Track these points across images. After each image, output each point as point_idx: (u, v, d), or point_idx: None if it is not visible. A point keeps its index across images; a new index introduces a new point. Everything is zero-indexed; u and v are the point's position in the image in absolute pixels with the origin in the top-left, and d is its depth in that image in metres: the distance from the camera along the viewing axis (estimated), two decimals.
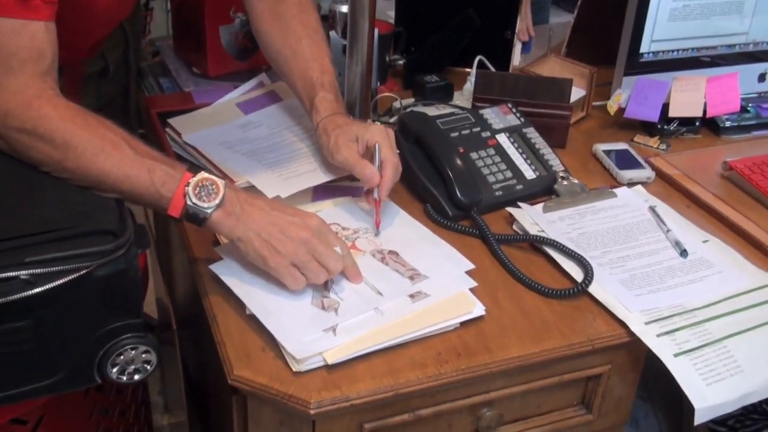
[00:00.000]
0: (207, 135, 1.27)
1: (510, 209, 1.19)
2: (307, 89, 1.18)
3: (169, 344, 1.22)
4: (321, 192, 1.17)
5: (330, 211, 1.16)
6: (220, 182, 0.94)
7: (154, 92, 1.47)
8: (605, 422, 1.09)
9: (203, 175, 0.94)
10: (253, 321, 0.95)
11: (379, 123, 1.37)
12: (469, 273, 1.05)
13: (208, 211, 0.93)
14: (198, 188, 0.93)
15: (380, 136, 1.10)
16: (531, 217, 1.18)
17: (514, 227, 1.19)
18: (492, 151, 1.29)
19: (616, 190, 1.27)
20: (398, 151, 1.20)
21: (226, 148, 1.23)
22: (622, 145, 1.44)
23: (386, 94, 1.51)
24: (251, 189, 1.13)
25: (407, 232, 1.13)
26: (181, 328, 1.33)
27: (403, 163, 1.24)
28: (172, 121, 1.28)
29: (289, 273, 0.96)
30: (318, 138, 1.16)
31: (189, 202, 0.93)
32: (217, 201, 0.93)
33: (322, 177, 1.15)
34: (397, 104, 1.49)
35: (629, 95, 1.47)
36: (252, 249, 0.95)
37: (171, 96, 1.43)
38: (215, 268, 1.02)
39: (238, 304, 0.98)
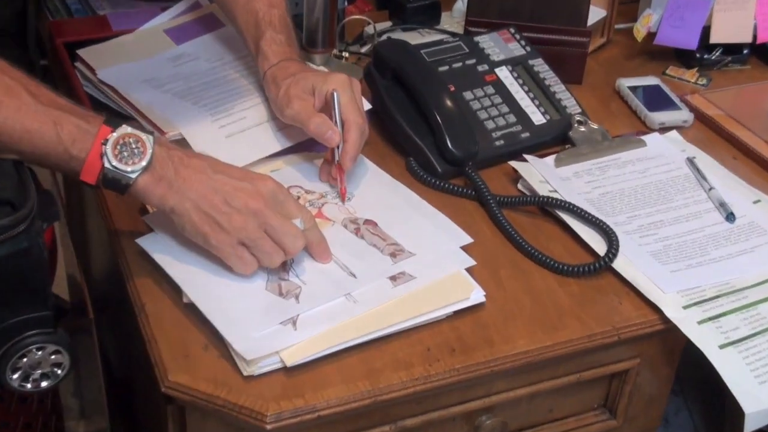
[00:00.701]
0: (128, 70, 1.25)
1: (514, 163, 1.20)
2: (251, 28, 1.18)
3: (85, 332, 1.21)
4: None
5: (289, 169, 1.16)
6: (147, 138, 0.93)
7: (60, 16, 1.44)
8: (632, 428, 1.10)
9: (125, 129, 0.92)
10: (193, 311, 0.95)
11: (346, 62, 1.38)
12: (465, 248, 1.05)
13: (132, 175, 0.92)
14: (118, 146, 0.92)
15: (341, 86, 1.10)
16: (540, 173, 1.19)
17: (520, 186, 1.20)
18: (490, 90, 1.29)
19: (645, 138, 1.28)
20: (376, 92, 1.22)
21: (153, 87, 1.23)
22: (652, 80, 1.45)
23: (356, 16, 1.51)
24: (185, 143, 1.12)
25: (387, 195, 1.13)
26: (100, 311, 1.32)
27: (380, 106, 1.26)
28: (82, 52, 1.26)
29: (236, 254, 0.96)
30: (266, 90, 1.16)
31: (107, 165, 0.91)
32: (143, 163, 0.92)
33: (274, 143, 1.16)
34: (369, 29, 1.48)
35: (661, 16, 1.47)
36: (189, 223, 0.95)
37: (81, 21, 1.40)
38: (143, 242, 1.02)
39: (173, 289, 0.98)
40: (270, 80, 1.15)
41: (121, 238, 1.06)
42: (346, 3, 1.50)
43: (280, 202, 0.97)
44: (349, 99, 1.10)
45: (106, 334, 1.33)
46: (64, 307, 0.99)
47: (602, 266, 1.06)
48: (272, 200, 0.96)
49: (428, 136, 1.20)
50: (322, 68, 1.35)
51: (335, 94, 1.10)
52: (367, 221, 1.09)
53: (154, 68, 1.26)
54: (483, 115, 1.26)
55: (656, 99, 1.39)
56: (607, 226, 1.10)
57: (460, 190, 1.18)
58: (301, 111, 1.10)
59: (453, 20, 1.57)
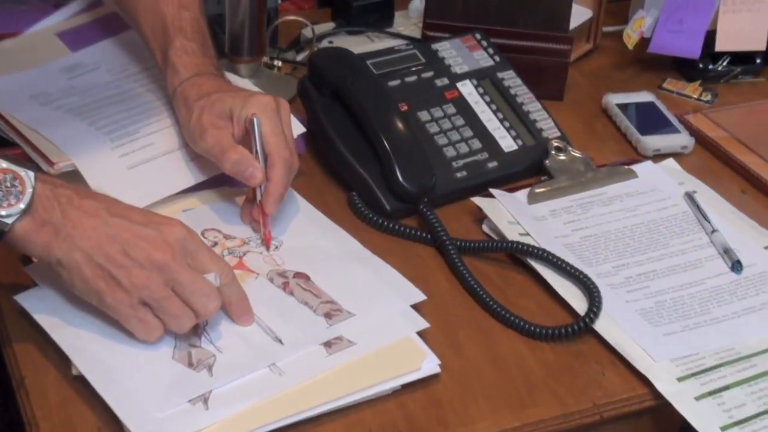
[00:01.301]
0: (11, 83, 1.26)
1: (477, 199, 1.20)
2: (158, 34, 1.18)
3: None
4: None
5: (205, 208, 1.17)
6: (26, 174, 0.93)
7: None
8: None
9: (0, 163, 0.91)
10: (85, 385, 0.94)
11: (279, 72, 1.39)
12: (417, 306, 1.05)
13: (8, 220, 0.92)
14: None
15: (264, 110, 1.09)
16: (509, 212, 1.19)
17: (484, 228, 1.20)
18: (451, 109, 1.30)
19: (637, 167, 1.29)
20: (311, 111, 1.23)
21: (40, 104, 1.23)
22: (645, 96, 1.46)
23: (291, 17, 1.51)
24: (79, 175, 1.11)
25: (322, 241, 1.13)
26: None
27: (316, 128, 1.27)
28: None
29: (137, 316, 0.95)
30: (176, 112, 1.16)
31: None
32: (21, 205, 0.92)
33: (186, 176, 1.15)
34: (307, 32, 1.49)
35: (656, 18, 1.47)
36: (80, 279, 0.94)
37: None
38: (24, 299, 1.01)
39: (61, 359, 0.97)
40: (180, 100, 1.15)
41: None
42: (279, 0, 1.51)
43: (190, 252, 0.97)
44: (272, 127, 1.10)
45: None
46: None
47: (582, 328, 1.06)
48: (181, 250, 0.95)
49: (375, 166, 1.21)
50: (246, 82, 1.35)
51: (255, 120, 1.09)
52: (297, 274, 1.09)
53: (43, 80, 1.26)
54: (442, 140, 1.27)
55: (650, 119, 1.39)
56: (588, 278, 1.10)
57: (413, 232, 1.18)
58: (216, 144, 1.10)
59: (409, 22, 1.57)
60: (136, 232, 0.95)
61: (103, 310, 0.97)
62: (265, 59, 1.43)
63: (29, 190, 0.93)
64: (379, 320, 1.03)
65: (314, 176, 1.26)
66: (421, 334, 1.03)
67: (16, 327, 1.01)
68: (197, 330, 0.99)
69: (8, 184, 0.94)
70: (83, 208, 0.95)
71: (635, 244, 1.18)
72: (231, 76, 1.29)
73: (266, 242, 1.12)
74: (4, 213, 0.93)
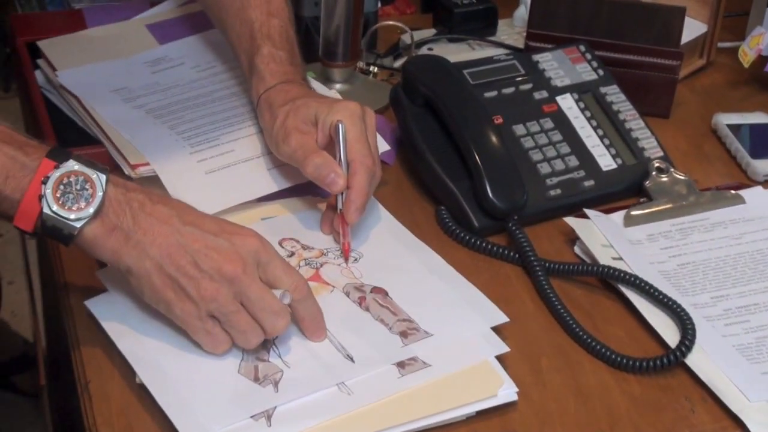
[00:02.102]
0: (96, 73, 1.26)
1: (570, 220, 1.18)
2: (245, 41, 1.18)
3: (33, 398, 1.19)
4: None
5: (285, 217, 1.16)
6: (98, 177, 0.93)
7: (29, 8, 1.46)
8: None
9: (72, 165, 0.92)
10: (147, 393, 0.94)
11: (374, 79, 1.38)
12: (499, 328, 1.03)
13: (77, 224, 0.92)
14: (61, 187, 0.91)
15: (349, 117, 1.08)
16: (603, 234, 1.16)
17: (576, 250, 1.17)
18: (549, 123, 1.28)
19: (745, 193, 1.25)
20: (403, 120, 1.21)
21: (123, 99, 1.23)
22: (760, 117, 1.41)
23: (390, 22, 1.49)
24: (155, 181, 1.12)
25: (403, 256, 1.12)
26: (55, 377, 1.32)
27: (407, 138, 1.25)
28: (44, 45, 1.27)
29: (205, 329, 0.95)
30: (260, 118, 1.16)
31: (46, 210, 0.91)
32: (90, 209, 0.92)
33: (266, 183, 1.15)
34: (406, 38, 1.47)
35: None
36: (149, 287, 0.94)
37: (50, 15, 1.42)
38: (93, 305, 1.02)
39: (126, 364, 0.97)
40: (265, 106, 1.14)
41: (71, 295, 1.05)
42: (379, 4, 1.49)
43: (263, 264, 0.96)
44: (358, 134, 1.09)
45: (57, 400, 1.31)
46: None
47: (672, 361, 1.03)
48: (253, 263, 0.95)
49: (465, 180, 1.19)
50: (333, 91, 1.33)
51: (340, 126, 1.08)
52: (375, 289, 1.08)
53: (127, 73, 1.27)
54: (536, 156, 1.25)
55: (764, 142, 1.35)
56: (682, 309, 1.07)
57: (500, 250, 1.16)
58: (299, 148, 1.09)
59: (513, 31, 1.55)
60: (207, 243, 0.95)
61: (171, 318, 0.97)
62: (361, 64, 1.42)
63: (99, 193, 0.93)
64: (457, 341, 1.02)
65: (403, 188, 1.25)
66: (500, 358, 1.01)
67: (86, 330, 1.02)
68: (266, 344, 0.99)
69: (78, 187, 0.94)
70: (155, 215, 0.95)
71: (737, 274, 1.14)
72: (318, 86, 1.28)
73: (345, 253, 1.11)
74: (73, 216, 0.93)
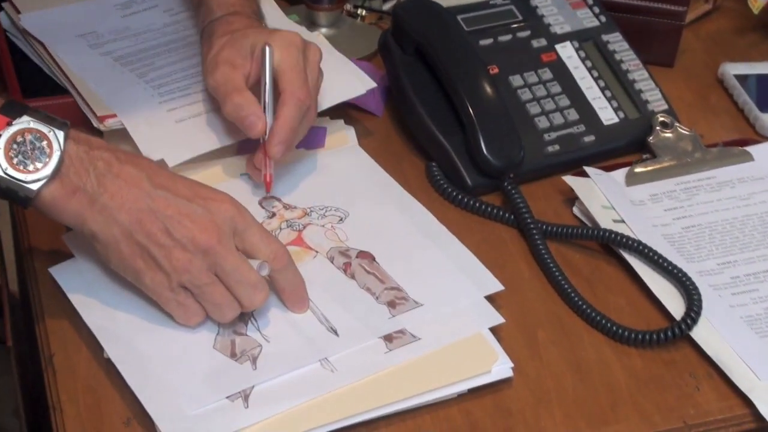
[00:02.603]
0: (62, 17, 1.20)
1: (569, 178, 1.14)
2: None
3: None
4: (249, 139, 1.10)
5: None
6: (54, 135, 0.88)
7: None
8: None
9: (25, 122, 0.88)
10: (115, 370, 0.91)
11: (363, 22, 1.33)
12: (493, 297, 1.00)
13: (33, 186, 0.87)
14: (14, 146, 0.87)
15: (287, 45, 1.06)
16: (604, 194, 1.13)
17: (575, 210, 1.14)
18: (547, 74, 1.24)
19: (753, 149, 1.21)
20: (392, 70, 1.17)
21: (90, 45, 1.19)
22: None
23: None
24: (127, 135, 1.08)
25: (394, 216, 1.09)
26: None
27: (396, 89, 1.21)
28: None
29: (177, 300, 0.92)
30: (201, 51, 1.13)
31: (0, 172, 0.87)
32: (47, 171, 0.88)
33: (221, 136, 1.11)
34: None
35: None
36: (116, 256, 0.91)
37: None
38: (57, 273, 0.99)
39: (93, 338, 0.94)
40: (205, 37, 1.11)
41: (36, 260, 1.02)
42: None
43: (239, 232, 0.93)
44: (292, 63, 1.05)
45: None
46: None
47: (677, 335, 0.99)
48: (229, 231, 0.92)
49: (457, 134, 1.16)
50: (317, 34, 1.27)
51: (267, 50, 1.05)
52: (361, 253, 1.04)
53: (96, 16, 1.22)
54: (534, 109, 1.20)
55: None
56: (688, 278, 1.03)
57: (494, 211, 1.13)
58: (223, 83, 1.05)
59: None
60: (180, 209, 0.91)
61: (141, 288, 0.94)
62: (348, 7, 1.36)
63: (57, 152, 0.88)
64: (448, 312, 0.99)
65: (391, 141, 1.21)
66: (494, 330, 0.98)
67: (51, 299, 0.98)
68: (244, 316, 0.96)
69: (33, 146, 0.88)
70: (123, 176, 0.91)
71: (745, 238, 1.11)
72: (277, 18, 1.24)
73: (266, 185, 1.07)
74: (29, 178, 0.88)
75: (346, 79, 1.17)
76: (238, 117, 1.04)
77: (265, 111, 1.05)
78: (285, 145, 1.05)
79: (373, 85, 1.17)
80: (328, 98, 1.14)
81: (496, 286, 1.01)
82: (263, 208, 1.08)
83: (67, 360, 0.94)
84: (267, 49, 1.05)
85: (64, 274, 0.99)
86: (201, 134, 1.11)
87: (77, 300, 0.96)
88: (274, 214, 1.08)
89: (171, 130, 1.10)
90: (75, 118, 1.05)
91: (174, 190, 0.92)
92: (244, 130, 1.05)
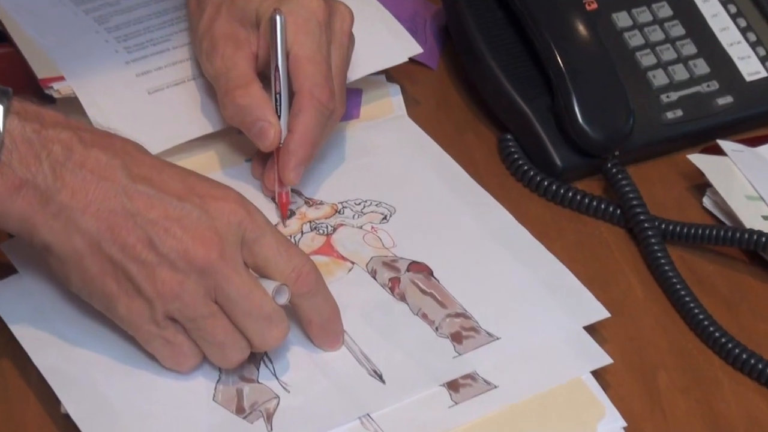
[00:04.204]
0: None
1: (697, 156, 1.15)
2: None
3: None
4: None
5: None
6: None
7: None
8: None
9: None
10: (75, 431, 0.91)
11: None
12: (595, 327, 1.01)
13: None
14: None
15: (303, 18, 1.05)
16: (748, 179, 1.13)
17: (706, 203, 1.15)
18: (666, 10, 1.24)
19: None
20: (455, 14, 1.19)
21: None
22: None
23: None
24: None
25: (456, 212, 1.10)
26: None
27: (459, 35, 1.22)
28: None
29: (163, 338, 0.92)
30: (186, 8, 1.15)
31: None
32: None
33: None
34: None
35: None
36: (79, 275, 0.91)
37: None
38: None
39: (44, 386, 0.93)
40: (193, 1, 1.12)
41: None
42: None
43: (249, 242, 0.92)
44: (312, 48, 1.06)
45: None
46: None
47: None
48: (235, 243, 0.91)
49: (542, 97, 1.17)
50: None
51: (278, 21, 1.04)
52: (414, 265, 1.04)
53: None
54: (647, 59, 1.20)
55: None
56: None
57: (594, 203, 1.13)
58: (224, 71, 1.06)
59: None
60: (169, 211, 0.90)
61: (112, 320, 0.94)
62: None
63: None
64: (535, 349, 0.99)
65: (450, 105, 1.22)
66: (598, 374, 0.98)
67: None
68: (255, 357, 0.96)
69: None
70: (89, 165, 0.90)
71: None
72: None
73: (282, 208, 1.08)
74: None
75: (384, 42, 1.17)
76: (243, 122, 1.06)
77: (278, 111, 1.05)
78: (302, 166, 1.06)
79: (418, 50, 1.18)
80: (359, 68, 1.14)
81: (598, 311, 1.02)
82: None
83: (8, 415, 0.94)
84: (277, 18, 1.04)
85: (3, 298, 0.98)
86: (185, 112, 1.12)
87: (22, 333, 0.96)
88: (293, 213, 1.08)
89: (141, 105, 1.11)
90: (19, 80, 1.04)
91: (160, 184, 0.91)
92: (252, 139, 1.06)
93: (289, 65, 1.05)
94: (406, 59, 1.17)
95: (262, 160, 1.10)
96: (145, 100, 1.12)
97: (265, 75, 1.06)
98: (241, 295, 0.91)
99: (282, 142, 1.06)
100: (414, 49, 1.17)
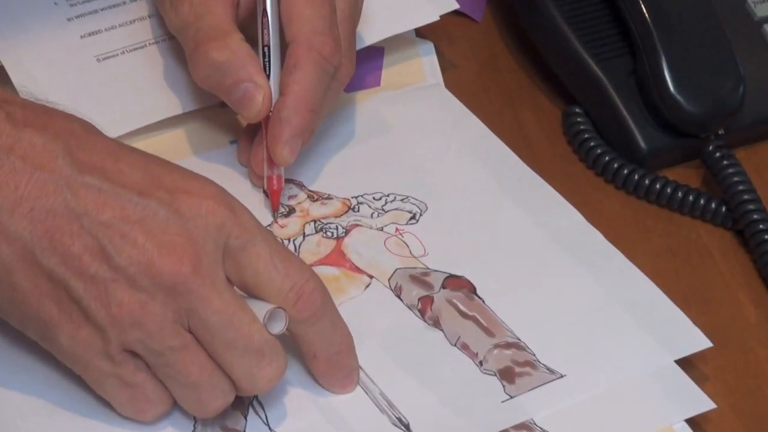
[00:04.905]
0: None
1: None
2: None
3: None
4: None
5: None
6: None
7: None
8: None
9: None
10: None
11: None
12: (690, 361, 1.01)
13: None
14: None
15: None
16: None
17: None
18: None
19: None
20: None
21: None
22: None
23: None
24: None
25: (504, 208, 1.12)
26: None
27: None
28: None
29: (119, 378, 0.92)
30: None
31: None
32: None
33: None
34: None
35: None
36: (8, 294, 0.91)
37: None
38: None
39: None
40: None
41: None
42: None
43: (234, 252, 0.92)
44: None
45: None
46: None
47: None
48: (214, 251, 0.91)
49: (622, 57, 1.18)
50: None
51: None
52: (451, 280, 1.05)
53: None
54: (763, 9, 1.22)
55: None
56: None
57: (689, 197, 1.14)
58: (194, 20, 1.07)
59: None
60: (127, 210, 0.90)
61: (53, 353, 0.93)
62: None
63: None
64: (611, 391, 0.99)
65: (498, 67, 1.24)
66: (696, 422, 0.98)
67: None
68: (242, 402, 0.96)
69: None
70: (19, 150, 0.90)
71: None
72: None
73: (272, 197, 1.09)
74: None
75: None
76: (222, 85, 1.06)
77: (267, 72, 1.05)
78: (299, 139, 1.06)
79: (454, 5, 1.18)
80: (376, 28, 1.15)
81: (697, 341, 1.01)
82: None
83: None
84: None
85: None
86: (145, 87, 1.13)
87: None
88: (292, 210, 1.08)
89: (88, 75, 1.12)
90: None
91: (116, 174, 0.91)
92: (234, 107, 1.07)
93: (281, 8, 1.06)
94: (437, 17, 1.18)
95: (250, 139, 1.11)
96: (93, 70, 1.13)
97: (247, 25, 1.07)
98: (223, 322, 0.90)
99: (273, 108, 1.05)
100: (448, 3, 1.19)
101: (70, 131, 0.93)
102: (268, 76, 1.06)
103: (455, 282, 1.05)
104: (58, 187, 0.90)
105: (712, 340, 1.02)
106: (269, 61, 1.07)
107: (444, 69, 1.19)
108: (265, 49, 1.07)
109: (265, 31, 1.07)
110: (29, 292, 0.90)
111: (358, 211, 1.10)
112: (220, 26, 1.08)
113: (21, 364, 0.97)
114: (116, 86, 1.13)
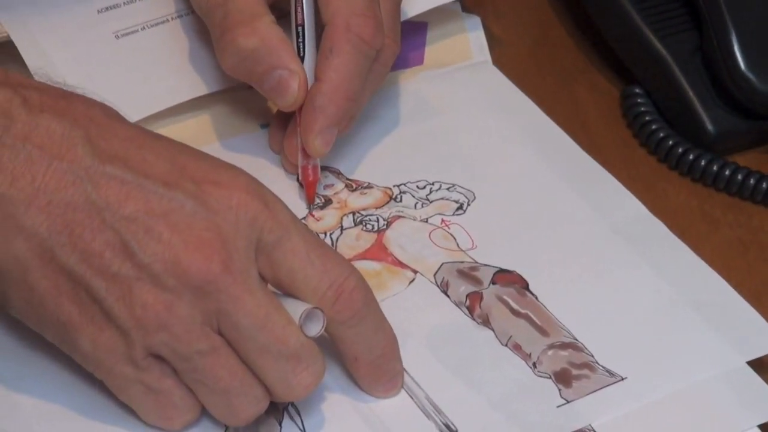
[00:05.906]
0: None
1: None
2: None
3: None
4: None
5: None
6: None
7: None
8: None
9: None
10: None
11: None
12: (764, 364, 1.01)
13: None
14: None
15: None
16: None
17: None
18: None
19: None
20: None
21: None
22: None
23: None
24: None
25: (561, 198, 1.13)
26: None
27: None
28: None
29: (144, 384, 0.92)
30: None
31: None
32: None
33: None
34: None
35: None
36: (23, 294, 0.91)
37: None
38: None
39: None
40: None
41: None
42: None
43: (268, 247, 0.92)
44: None
45: None
46: None
47: None
48: (246, 248, 0.91)
49: (687, 34, 1.20)
50: None
51: None
52: (502, 275, 1.06)
53: None
54: None
55: None
56: None
57: (763, 186, 1.14)
58: (220, 2, 1.08)
59: None
60: (151, 203, 0.90)
61: (72, 357, 0.93)
62: None
63: None
64: (676, 394, 0.99)
65: (553, 44, 1.25)
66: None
67: None
68: (276, 408, 0.97)
69: None
70: (36, 138, 0.90)
71: None
72: None
73: (307, 189, 1.10)
74: None
75: None
76: (253, 74, 1.07)
77: (301, 54, 1.06)
78: (335, 129, 1.07)
79: None
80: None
81: None
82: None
83: None
84: None
85: None
86: (167, 66, 1.14)
87: None
88: (329, 201, 1.09)
89: (106, 53, 1.14)
90: None
91: (139, 164, 0.91)
92: (268, 96, 1.08)
93: None
94: None
95: (283, 124, 1.11)
96: (111, 47, 1.14)
97: (278, 6, 1.07)
98: (255, 324, 0.90)
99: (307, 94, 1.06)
100: None
101: (91, 117, 0.93)
102: (302, 59, 1.07)
103: (506, 277, 1.06)
104: (78, 178, 0.90)
105: None
106: (303, 43, 1.08)
107: (491, 46, 1.19)
108: (299, 28, 1.08)
109: (299, 9, 1.08)
110: (47, 292, 0.91)
111: (401, 201, 1.11)
112: (248, 8, 1.09)
113: (38, 366, 0.98)
114: (136, 65, 1.14)
